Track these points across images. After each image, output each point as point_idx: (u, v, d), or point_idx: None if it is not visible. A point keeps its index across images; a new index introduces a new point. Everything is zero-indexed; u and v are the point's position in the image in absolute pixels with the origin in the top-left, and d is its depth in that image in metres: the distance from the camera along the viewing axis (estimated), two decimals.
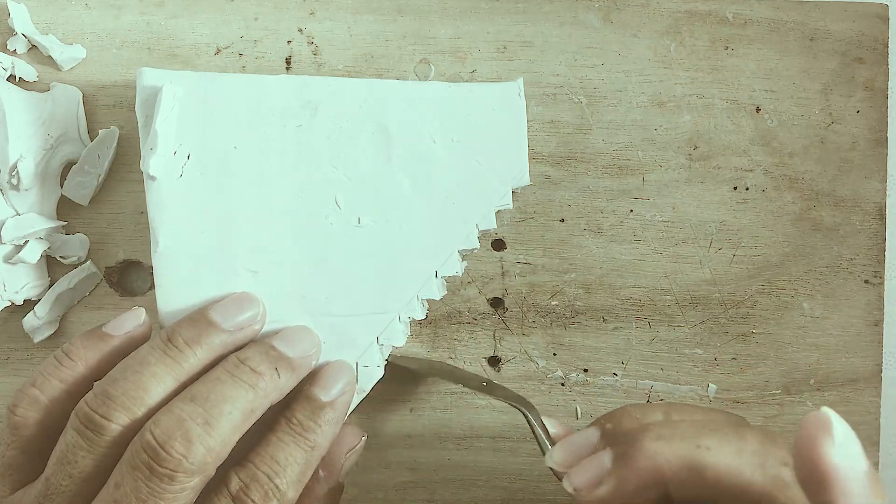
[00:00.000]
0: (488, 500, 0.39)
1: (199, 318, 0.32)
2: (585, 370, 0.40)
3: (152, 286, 0.37)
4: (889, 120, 0.41)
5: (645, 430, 0.27)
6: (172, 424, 0.28)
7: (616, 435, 0.29)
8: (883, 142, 0.40)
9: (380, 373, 0.36)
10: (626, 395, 0.40)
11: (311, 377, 0.33)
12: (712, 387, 0.40)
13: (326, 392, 0.32)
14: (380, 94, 0.36)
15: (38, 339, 0.37)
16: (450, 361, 0.39)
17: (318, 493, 0.33)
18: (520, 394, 0.36)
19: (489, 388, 0.36)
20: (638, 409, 0.30)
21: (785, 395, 0.40)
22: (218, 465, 0.29)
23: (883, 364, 0.41)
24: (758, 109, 0.40)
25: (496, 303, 0.39)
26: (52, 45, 0.37)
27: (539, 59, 0.39)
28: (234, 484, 0.30)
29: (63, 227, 0.37)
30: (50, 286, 0.37)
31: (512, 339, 0.39)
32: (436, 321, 0.39)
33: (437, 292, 0.37)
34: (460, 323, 0.39)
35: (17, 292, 0.36)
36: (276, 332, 0.33)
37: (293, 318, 0.35)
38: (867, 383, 0.40)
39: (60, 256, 0.37)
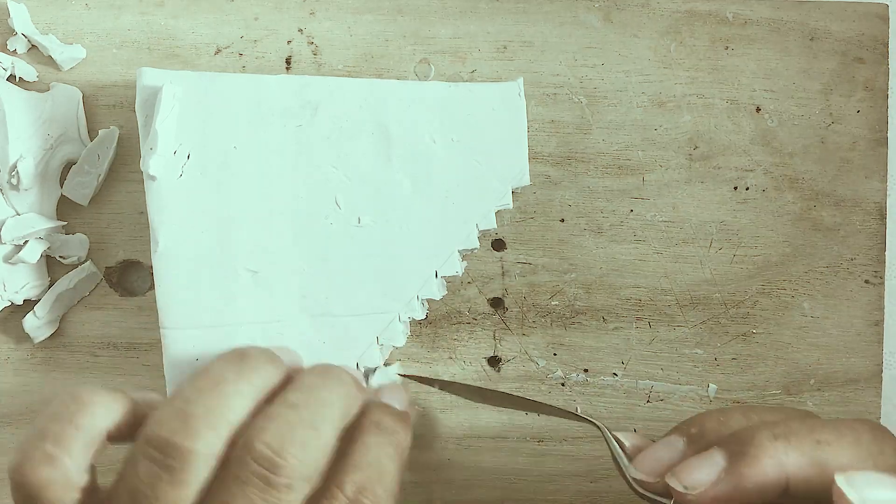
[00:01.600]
0: (488, 500, 0.39)
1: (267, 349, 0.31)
2: (585, 370, 0.40)
3: (152, 286, 0.37)
4: (889, 120, 0.41)
5: (758, 429, 0.27)
6: (283, 430, 0.26)
7: (712, 437, 0.29)
8: (883, 142, 0.40)
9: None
10: (626, 395, 0.40)
11: (385, 392, 0.33)
12: (712, 387, 0.40)
13: (401, 403, 0.33)
14: (380, 94, 0.36)
15: (38, 339, 0.37)
16: (450, 361, 0.39)
17: None
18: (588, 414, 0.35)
19: (554, 411, 0.35)
20: (719, 413, 0.30)
21: (785, 395, 0.40)
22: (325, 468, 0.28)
23: (883, 364, 0.41)
24: (758, 109, 0.40)
25: (496, 303, 0.39)
26: (52, 45, 0.37)
27: (539, 59, 0.39)
28: (349, 488, 0.27)
29: (63, 227, 0.37)
30: (50, 286, 0.37)
31: (512, 339, 0.39)
32: (436, 321, 0.39)
33: (437, 292, 0.37)
34: (460, 323, 0.39)
35: (17, 292, 0.36)
36: None
37: (293, 317, 0.35)
38: (867, 383, 0.40)
39: (60, 256, 0.37)
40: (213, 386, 0.27)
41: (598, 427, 0.33)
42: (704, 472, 0.27)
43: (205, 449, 0.26)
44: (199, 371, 0.29)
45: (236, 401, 0.27)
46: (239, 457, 0.26)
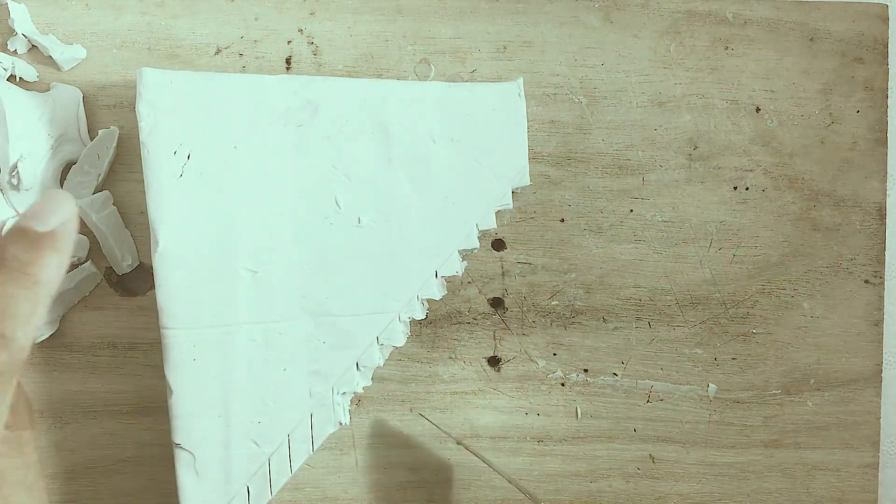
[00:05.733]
0: (488, 500, 0.39)
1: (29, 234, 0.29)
2: (585, 370, 0.40)
3: (152, 286, 0.37)
4: (889, 120, 0.41)
5: None
6: None
7: None
8: (883, 142, 0.40)
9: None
10: (626, 394, 0.40)
11: (25, 212, 0.30)
12: (712, 387, 0.40)
13: (43, 223, 0.29)
14: (380, 94, 0.36)
15: (38, 339, 0.37)
16: (450, 361, 0.39)
17: None
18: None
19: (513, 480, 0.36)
20: None
21: (785, 395, 0.40)
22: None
23: (883, 364, 0.41)
24: (758, 109, 0.40)
25: (496, 303, 0.39)
26: (53, 45, 0.37)
27: (539, 59, 0.39)
28: None
29: None
30: None
31: (512, 339, 0.39)
32: (436, 321, 0.39)
33: (437, 292, 0.37)
34: (460, 323, 0.39)
35: None
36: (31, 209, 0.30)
37: (293, 318, 0.35)
38: (867, 383, 0.40)
39: None
40: None
41: None
42: None
43: None
44: None
45: None
46: None
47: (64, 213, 0.30)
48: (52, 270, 0.29)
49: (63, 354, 0.38)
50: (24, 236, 0.29)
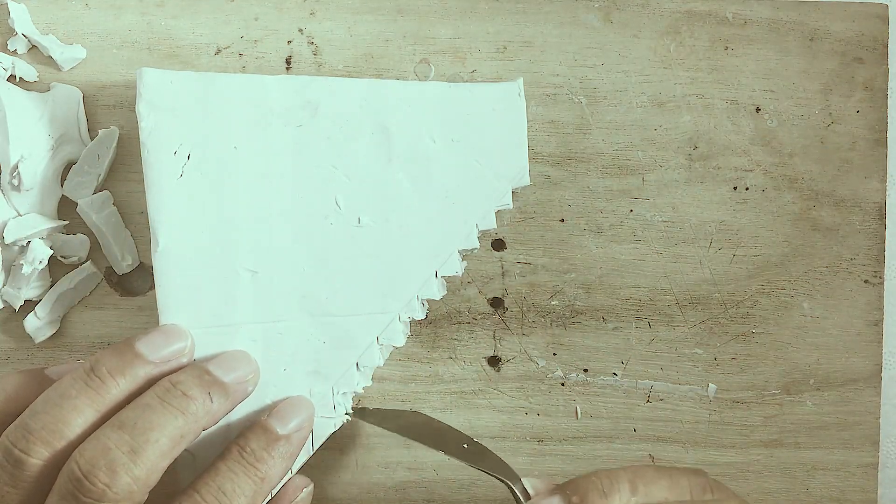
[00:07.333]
0: (488, 499, 0.39)
1: (124, 349, 0.31)
2: (585, 370, 0.40)
3: (152, 286, 0.37)
4: (889, 120, 0.41)
5: (588, 490, 0.29)
6: (97, 453, 0.27)
7: None
8: (883, 142, 0.40)
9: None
10: (626, 395, 0.40)
11: (269, 409, 0.33)
12: (712, 387, 0.40)
13: (283, 425, 0.32)
14: (380, 94, 0.36)
15: (39, 339, 0.37)
16: (450, 361, 0.39)
17: None
18: (503, 460, 0.34)
19: (470, 455, 0.34)
20: (605, 480, 0.30)
21: (785, 395, 0.40)
22: (147, 491, 0.28)
23: (883, 364, 0.41)
24: (758, 109, 0.40)
25: (496, 303, 0.39)
26: (52, 45, 0.37)
27: (539, 59, 0.39)
28: None
29: (64, 227, 0.37)
30: (51, 286, 0.37)
31: (512, 339, 0.39)
32: (436, 321, 0.39)
33: (437, 292, 0.37)
34: (460, 323, 0.39)
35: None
36: (212, 357, 0.33)
37: (293, 318, 0.35)
38: (867, 383, 0.40)
39: (61, 256, 0.37)
40: (56, 400, 0.29)
41: (506, 485, 0.33)
42: None
43: (37, 461, 0.28)
44: (55, 383, 0.30)
45: (73, 416, 0.29)
46: (62, 471, 0.28)
47: (302, 420, 0.33)
48: (279, 472, 0.31)
49: (63, 354, 0.38)
50: (264, 434, 0.32)
